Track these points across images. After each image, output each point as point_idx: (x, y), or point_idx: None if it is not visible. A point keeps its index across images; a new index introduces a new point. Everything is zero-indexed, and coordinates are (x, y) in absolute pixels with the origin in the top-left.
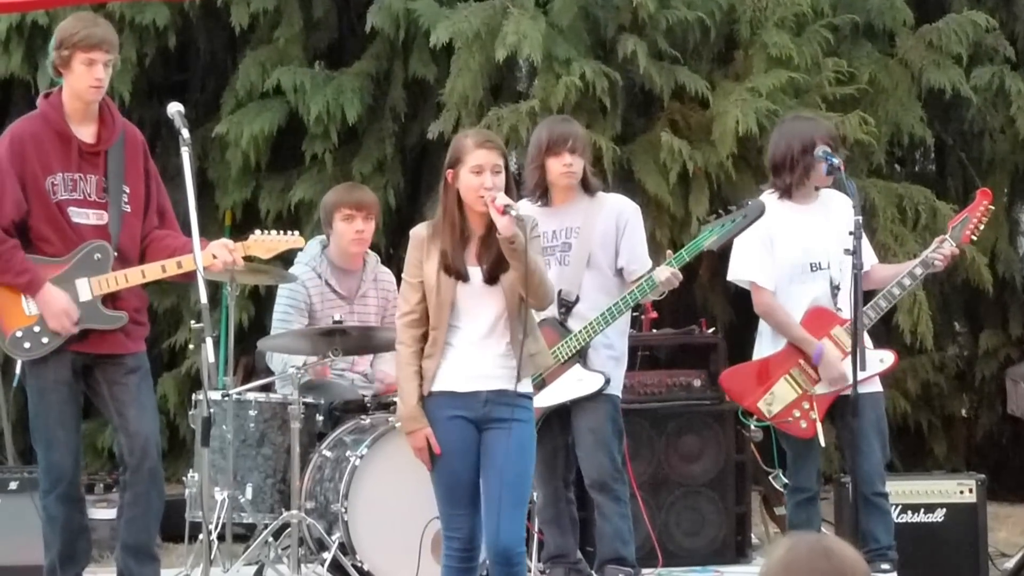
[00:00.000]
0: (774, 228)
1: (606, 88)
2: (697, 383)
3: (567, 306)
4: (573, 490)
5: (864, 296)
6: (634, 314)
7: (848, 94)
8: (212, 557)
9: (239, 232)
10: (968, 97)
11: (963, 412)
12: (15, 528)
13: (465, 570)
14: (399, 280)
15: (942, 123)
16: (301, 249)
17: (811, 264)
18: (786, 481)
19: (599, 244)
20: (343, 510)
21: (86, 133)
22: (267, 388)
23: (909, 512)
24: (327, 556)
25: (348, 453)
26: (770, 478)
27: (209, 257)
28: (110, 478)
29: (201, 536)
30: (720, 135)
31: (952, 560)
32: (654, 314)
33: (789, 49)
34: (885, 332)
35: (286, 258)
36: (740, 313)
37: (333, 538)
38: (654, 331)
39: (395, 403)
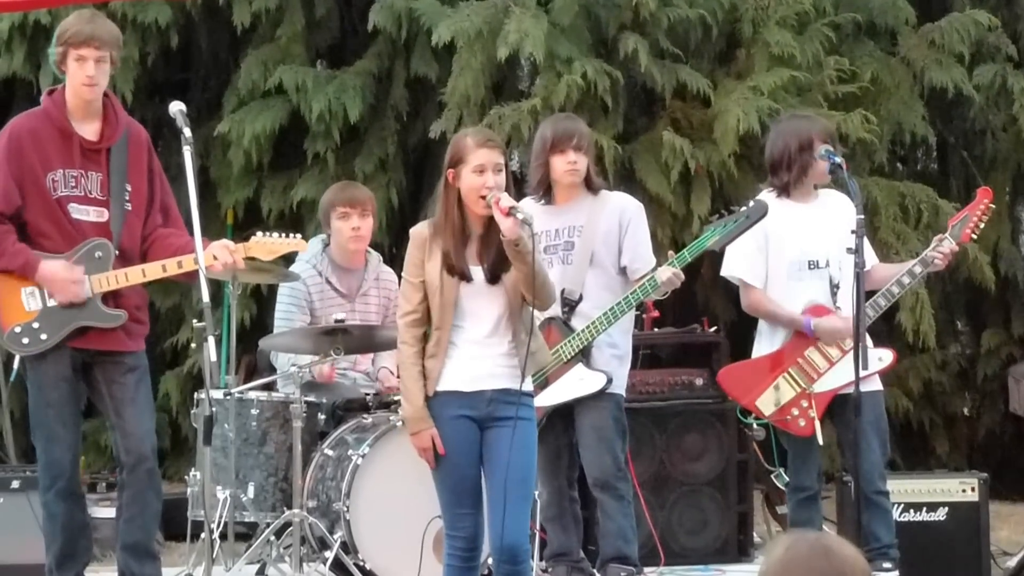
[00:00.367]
0: (771, 226)
1: (608, 87)
2: (699, 382)
3: (571, 305)
4: (576, 489)
5: (865, 295)
6: (636, 313)
7: (850, 93)
8: (214, 556)
9: (241, 231)
10: (970, 96)
11: (965, 411)
12: (17, 527)
13: (467, 569)
14: (401, 279)
15: (944, 122)
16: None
17: (809, 262)
18: (788, 480)
19: (602, 242)
20: (345, 509)
21: (89, 130)
22: (269, 387)
23: (911, 511)
24: (329, 555)
25: (350, 452)
26: (772, 477)
27: (210, 258)
28: (112, 476)
29: (203, 535)
30: (722, 134)
31: (954, 559)
32: (656, 313)
33: (791, 47)
34: (887, 330)
35: (288, 257)
36: (742, 312)
37: (335, 537)
38: (656, 330)
39: (397, 402)
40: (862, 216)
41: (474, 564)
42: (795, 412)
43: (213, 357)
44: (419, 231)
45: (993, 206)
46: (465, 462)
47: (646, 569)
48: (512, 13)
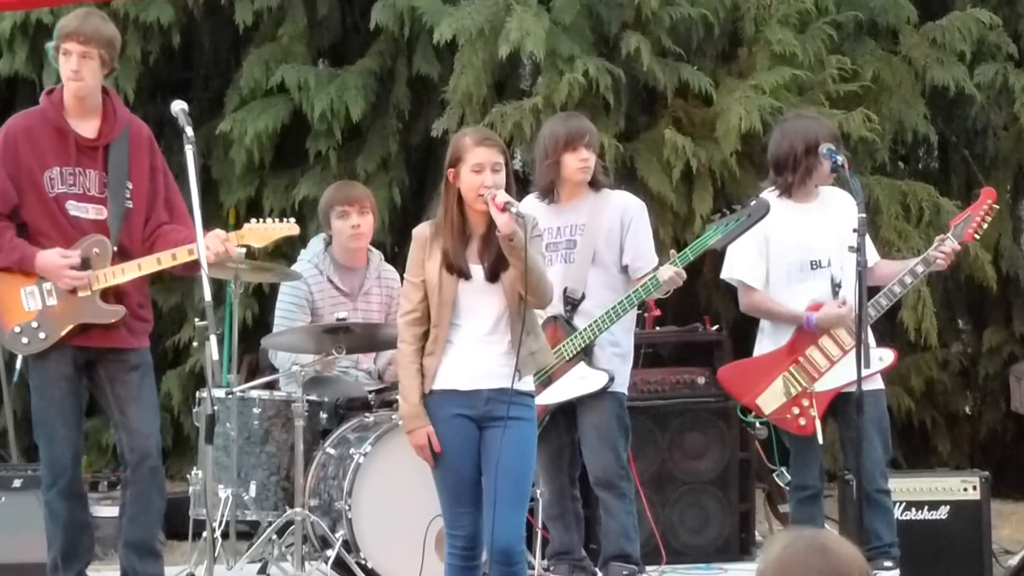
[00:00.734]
0: (771, 227)
1: (609, 85)
2: (701, 380)
3: (573, 303)
4: (578, 487)
5: (867, 293)
6: (638, 312)
7: (852, 91)
8: (216, 555)
9: None
10: (971, 94)
11: (967, 409)
12: (19, 526)
13: (468, 568)
14: (403, 278)
15: (945, 120)
16: (296, 236)
17: (811, 262)
18: (789, 478)
19: (604, 241)
20: (347, 507)
21: (87, 128)
22: (271, 386)
23: (913, 509)
24: (331, 553)
25: (352, 450)
26: (774, 475)
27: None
28: (114, 475)
29: (205, 534)
30: (723, 132)
31: (956, 557)
32: (658, 312)
33: (793, 46)
34: (889, 329)
35: (289, 256)
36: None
37: (337, 535)
38: (658, 328)
39: (399, 400)
40: (864, 215)
41: (475, 563)
42: (796, 411)
43: (215, 356)
44: (421, 231)
45: (996, 206)
46: (462, 461)
47: (648, 568)
48: (514, 11)
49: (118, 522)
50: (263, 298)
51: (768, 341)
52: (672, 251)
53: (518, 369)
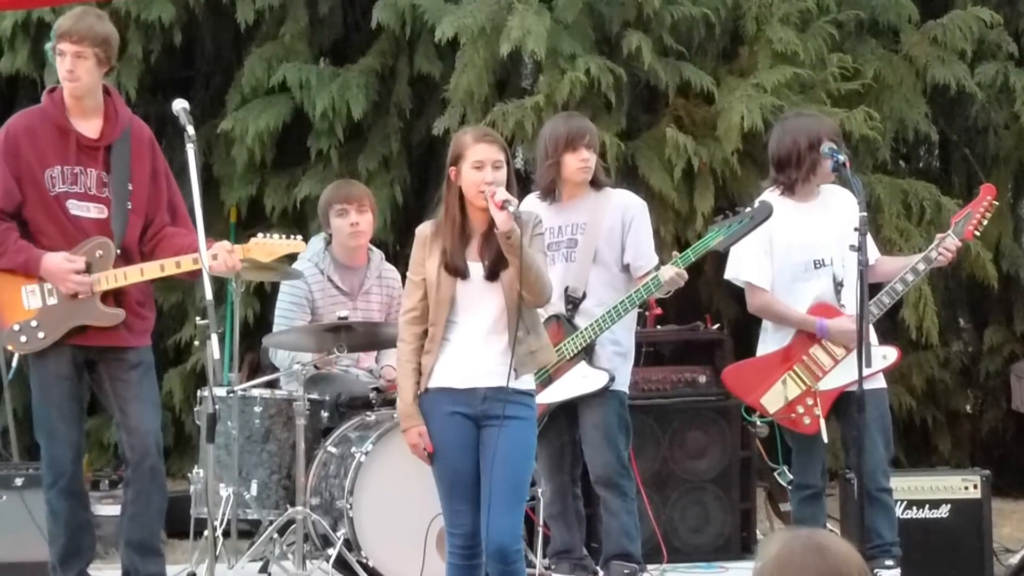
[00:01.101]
0: (774, 226)
1: (611, 84)
2: (702, 379)
3: (574, 302)
4: (579, 486)
5: (869, 290)
6: (639, 310)
7: (853, 90)
8: (217, 553)
9: (244, 229)
10: (972, 93)
11: (968, 408)
12: (20, 524)
13: (468, 567)
14: (404, 277)
15: (947, 119)
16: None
17: (814, 261)
18: (791, 477)
19: (605, 240)
20: (348, 506)
21: (89, 127)
22: (272, 384)
23: (914, 508)
24: (332, 552)
25: (353, 449)
26: (775, 474)
27: (210, 258)
28: (116, 474)
29: (206, 532)
30: (725, 131)
31: (957, 556)
32: (659, 310)
33: (794, 45)
34: (891, 327)
35: (290, 255)
36: (745, 309)
37: (338, 534)
38: (659, 327)
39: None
40: (865, 213)
41: (476, 562)
42: (800, 410)
43: (216, 355)
44: (422, 230)
45: (996, 202)
46: (459, 459)
47: (649, 566)
48: (515, 10)
49: (119, 521)
50: (264, 297)
51: (771, 340)
52: (675, 252)
53: (515, 368)
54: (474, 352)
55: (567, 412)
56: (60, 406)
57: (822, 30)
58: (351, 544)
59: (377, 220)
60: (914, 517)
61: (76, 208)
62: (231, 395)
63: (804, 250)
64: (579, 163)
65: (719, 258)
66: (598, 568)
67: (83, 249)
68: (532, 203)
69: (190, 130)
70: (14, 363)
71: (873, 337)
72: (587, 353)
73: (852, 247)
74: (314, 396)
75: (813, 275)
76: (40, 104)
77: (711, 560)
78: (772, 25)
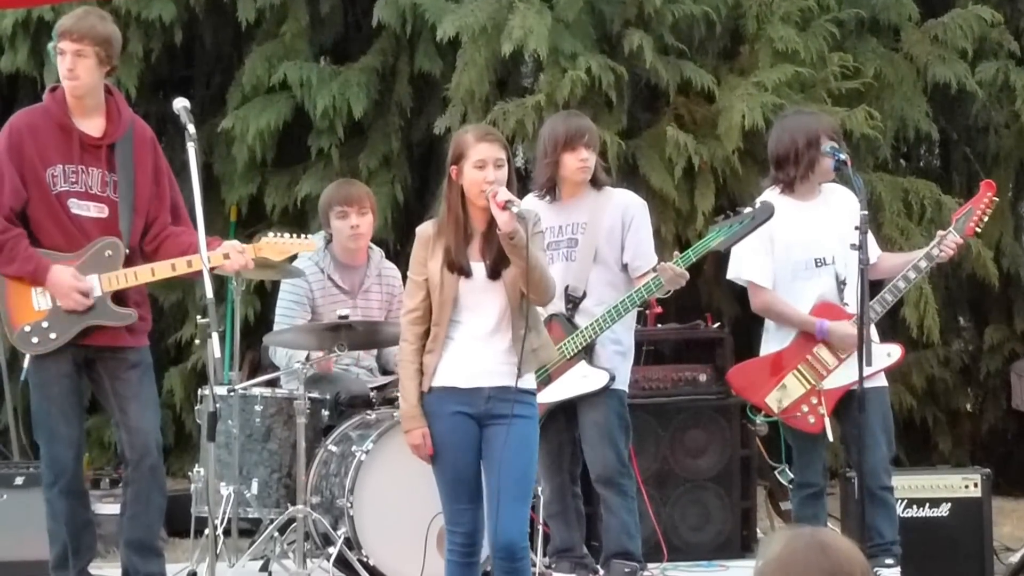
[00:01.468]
0: (775, 224)
1: (612, 82)
2: (703, 378)
3: (574, 302)
4: (579, 484)
5: (871, 287)
6: (639, 309)
7: (854, 89)
8: (218, 552)
9: (244, 228)
10: (973, 92)
11: (968, 407)
12: (21, 523)
13: (468, 565)
14: (405, 276)
15: (947, 118)
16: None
17: (816, 260)
18: (792, 476)
19: (605, 239)
20: (349, 505)
21: (91, 126)
22: (273, 383)
23: (914, 507)
24: (333, 551)
25: (354, 448)
26: (775, 473)
27: (220, 258)
28: (116, 473)
29: (207, 531)
30: (726, 130)
31: (957, 555)
32: (659, 309)
33: (795, 44)
34: (892, 326)
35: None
36: (746, 308)
37: (339, 533)
38: (659, 326)
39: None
40: (866, 212)
41: (474, 560)
42: (805, 409)
43: (217, 353)
44: (424, 230)
45: (996, 199)
46: (462, 458)
47: (649, 565)
48: (516, 9)
49: (120, 520)
50: (265, 295)
51: (775, 340)
52: (676, 252)
53: (519, 367)
54: (477, 351)
55: (566, 411)
56: (60, 405)
57: (823, 29)
58: (352, 543)
59: (377, 219)
60: (914, 516)
61: (77, 207)
62: (232, 394)
63: (805, 248)
64: (578, 163)
65: (720, 257)
66: (598, 567)
67: (92, 250)
68: (532, 202)
69: (191, 129)
70: (25, 364)
71: (874, 335)
72: (587, 352)
73: (853, 246)
74: (315, 395)
75: (814, 273)
76: (42, 102)
77: (711, 559)
78: (773, 24)
